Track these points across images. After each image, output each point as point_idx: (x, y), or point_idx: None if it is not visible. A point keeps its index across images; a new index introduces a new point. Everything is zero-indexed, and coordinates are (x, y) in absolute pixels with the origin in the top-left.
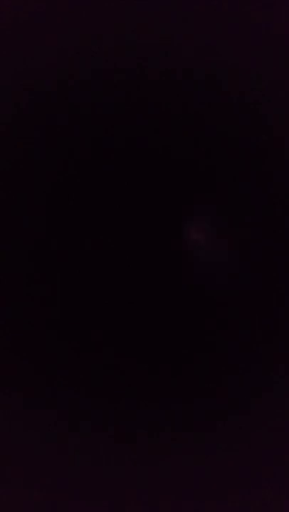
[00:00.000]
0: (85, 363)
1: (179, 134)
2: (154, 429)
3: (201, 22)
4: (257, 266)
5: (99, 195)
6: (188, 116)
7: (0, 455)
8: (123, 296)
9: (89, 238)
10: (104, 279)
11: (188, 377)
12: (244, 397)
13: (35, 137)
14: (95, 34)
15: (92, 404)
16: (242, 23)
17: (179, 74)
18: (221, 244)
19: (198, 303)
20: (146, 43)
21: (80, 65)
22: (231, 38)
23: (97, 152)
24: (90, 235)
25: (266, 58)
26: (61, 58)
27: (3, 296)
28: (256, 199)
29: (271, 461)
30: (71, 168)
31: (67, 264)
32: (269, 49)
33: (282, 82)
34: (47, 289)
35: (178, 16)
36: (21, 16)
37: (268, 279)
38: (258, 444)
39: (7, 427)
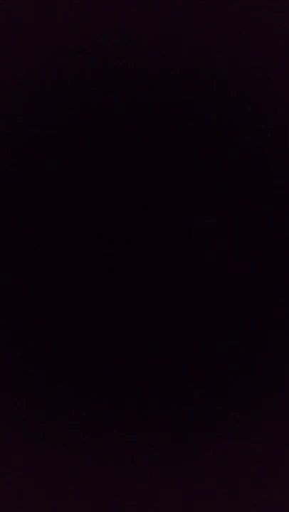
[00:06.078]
0: (85, 361)
1: (178, 133)
2: (155, 428)
3: (201, 22)
4: (262, 264)
5: (99, 192)
6: (187, 115)
7: (0, 455)
8: (124, 295)
9: (89, 236)
10: (104, 277)
11: (190, 377)
12: (246, 397)
13: (35, 136)
14: (95, 34)
15: (92, 404)
16: (242, 22)
17: (179, 73)
18: (223, 242)
19: (200, 302)
20: (146, 42)
21: (79, 65)
22: (231, 38)
23: (97, 151)
24: (89, 233)
25: (266, 58)
26: (60, 58)
27: (3, 296)
28: (256, 197)
29: (274, 461)
30: (70, 168)
31: (67, 262)
32: (269, 49)
33: (282, 81)
34: (47, 285)
35: (178, 16)
36: (21, 15)
37: (273, 277)
38: (261, 444)
39: (7, 427)
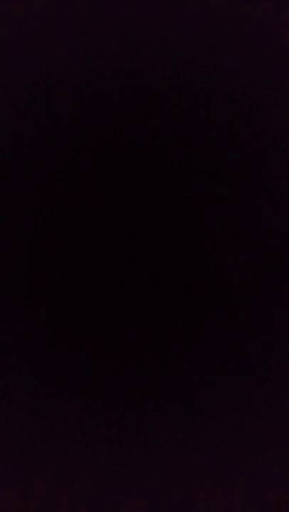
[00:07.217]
0: (85, 361)
1: (178, 133)
2: (154, 428)
3: (201, 22)
4: (259, 264)
5: (99, 192)
6: (187, 115)
7: (0, 455)
8: (124, 295)
9: (89, 236)
10: (104, 277)
11: (190, 377)
12: (246, 397)
13: (35, 136)
14: (95, 34)
15: (92, 404)
16: (242, 22)
17: (179, 73)
18: (223, 241)
19: (200, 302)
20: (146, 43)
21: (79, 65)
22: (231, 38)
23: (97, 151)
24: (89, 233)
25: (266, 58)
26: (60, 58)
27: (3, 297)
28: (256, 197)
29: (274, 460)
30: (70, 168)
31: (67, 262)
32: (269, 49)
33: (282, 81)
34: (47, 285)
35: (178, 16)
36: (21, 15)
37: (273, 276)
38: (260, 444)
39: (7, 427)
